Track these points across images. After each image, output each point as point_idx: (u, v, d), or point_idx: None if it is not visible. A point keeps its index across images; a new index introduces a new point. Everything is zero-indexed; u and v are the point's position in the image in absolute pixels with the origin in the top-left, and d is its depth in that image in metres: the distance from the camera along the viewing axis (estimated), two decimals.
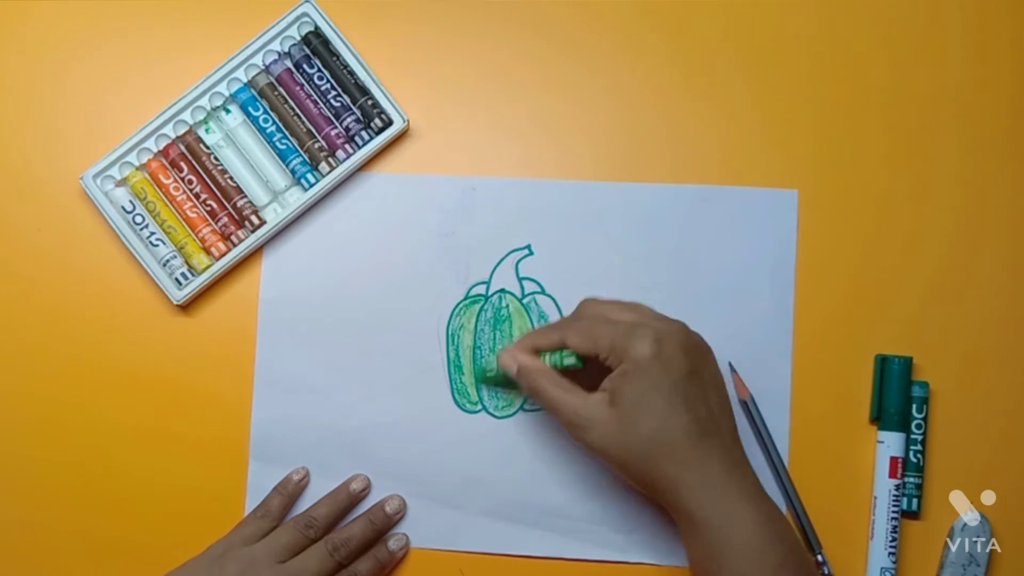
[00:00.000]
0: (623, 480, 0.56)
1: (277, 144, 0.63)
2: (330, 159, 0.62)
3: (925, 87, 0.63)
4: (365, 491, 0.61)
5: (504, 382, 0.60)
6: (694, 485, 0.53)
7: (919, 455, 0.60)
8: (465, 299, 0.63)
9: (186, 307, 0.63)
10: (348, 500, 0.61)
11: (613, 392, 0.54)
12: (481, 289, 0.63)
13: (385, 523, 0.61)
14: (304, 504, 0.61)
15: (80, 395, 0.62)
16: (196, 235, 0.62)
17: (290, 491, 0.61)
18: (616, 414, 0.53)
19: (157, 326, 0.63)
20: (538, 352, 0.57)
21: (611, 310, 0.56)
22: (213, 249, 0.62)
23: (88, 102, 0.64)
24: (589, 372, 0.56)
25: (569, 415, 0.55)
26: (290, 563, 0.58)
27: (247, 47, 0.63)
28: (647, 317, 0.56)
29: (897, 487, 0.60)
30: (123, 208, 0.62)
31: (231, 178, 0.62)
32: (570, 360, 0.56)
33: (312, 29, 0.63)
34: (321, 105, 0.63)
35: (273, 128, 0.63)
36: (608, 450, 0.54)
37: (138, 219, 0.62)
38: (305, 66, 0.63)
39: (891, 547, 0.59)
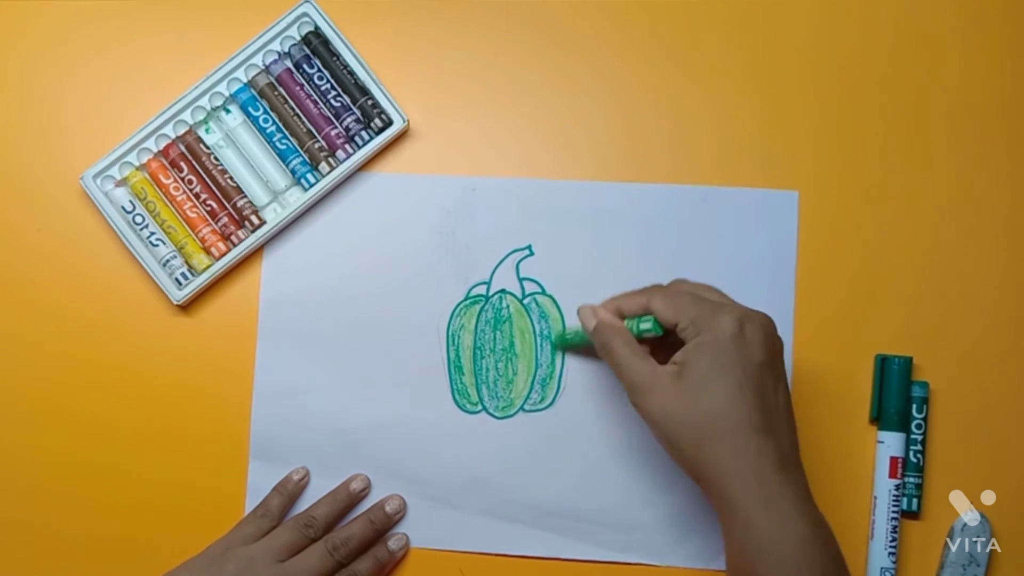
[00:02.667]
0: (668, 454, 0.54)
1: (277, 144, 0.63)
2: (330, 159, 0.62)
3: (925, 87, 0.63)
4: (365, 491, 0.61)
5: (580, 345, 0.59)
6: (744, 478, 0.50)
7: (919, 455, 0.60)
8: (465, 299, 0.63)
9: (186, 307, 0.63)
10: (348, 500, 0.61)
11: (684, 364, 0.52)
12: (481, 290, 0.63)
13: (385, 523, 0.61)
14: (304, 504, 0.61)
15: (80, 395, 0.62)
16: (196, 235, 0.62)
17: (290, 491, 0.61)
18: (681, 386, 0.52)
19: (157, 326, 0.63)
20: (621, 316, 0.57)
21: (702, 290, 0.56)
22: (213, 249, 0.62)
23: (88, 102, 0.64)
24: (665, 352, 0.55)
25: (632, 375, 0.54)
26: (289, 562, 0.58)
27: (247, 47, 0.63)
28: (734, 302, 0.55)
29: (897, 487, 0.60)
30: (123, 208, 0.62)
31: (231, 178, 0.62)
32: (647, 326, 0.55)
33: (312, 29, 0.63)
34: (321, 105, 0.63)
35: (273, 128, 0.63)
36: (663, 421, 0.52)
37: (138, 219, 0.62)
38: (305, 66, 0.63)
39: (891, 547, 0.59)
